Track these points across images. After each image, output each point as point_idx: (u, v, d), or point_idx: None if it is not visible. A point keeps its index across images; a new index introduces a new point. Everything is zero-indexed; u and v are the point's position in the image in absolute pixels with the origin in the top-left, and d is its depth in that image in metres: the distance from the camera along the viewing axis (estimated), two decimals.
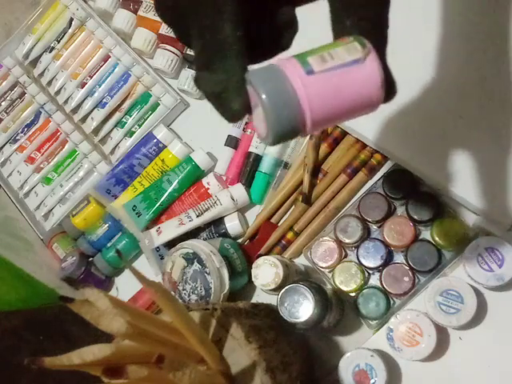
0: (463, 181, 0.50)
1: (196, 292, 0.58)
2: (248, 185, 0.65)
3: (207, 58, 0.25)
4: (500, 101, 0.49)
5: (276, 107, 0.23)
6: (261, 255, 0.61)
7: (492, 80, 0.50)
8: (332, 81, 0.24)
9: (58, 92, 0.78)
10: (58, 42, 0.79)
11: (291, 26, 0.29)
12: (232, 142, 0.67)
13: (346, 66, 0.24)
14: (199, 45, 0.26)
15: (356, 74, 0.24)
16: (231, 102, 0.24)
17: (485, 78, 0.50)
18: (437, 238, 0.53)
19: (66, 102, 0.77)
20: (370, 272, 0.56)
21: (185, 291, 0.58)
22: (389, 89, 0.25)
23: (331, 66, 0.24)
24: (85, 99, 0.76)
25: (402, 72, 0.52)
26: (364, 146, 0.59)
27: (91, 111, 0.76)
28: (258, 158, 0.65)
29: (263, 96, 0.23)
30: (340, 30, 0.26)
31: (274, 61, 0.25)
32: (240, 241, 0.64)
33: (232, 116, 0.25)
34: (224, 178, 0.67)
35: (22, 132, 0.79)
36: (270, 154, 0.64)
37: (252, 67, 0.25)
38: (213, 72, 0.25)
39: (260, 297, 0.62)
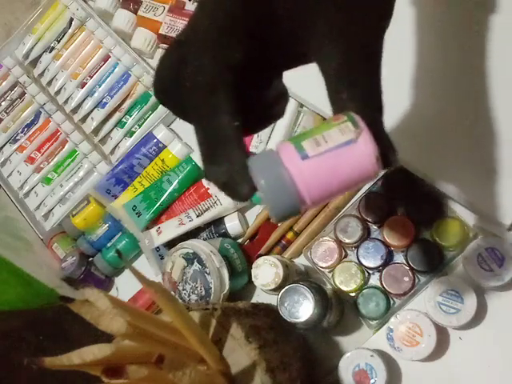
0: (463, 181, 0.50)
1: (196, 292, 0.58)
2: None
3: (209, 151, 0.27)
4: (500, 101, 0.49)
5: (275, 196, 0.25)
6: (261, 255, 0.61)
7: (492, 81, 0.50)
8: (327, 163, 0.25)
9: (58, 92, 0.78)
10: (58, 42, 0.79)
11: (283, 98, 0.31)
12: None
13: (339, 147, 0.25)
14: (200, 139, 0.27)
15: (350, 155, 0.25)
16: (238, 189, 0.26)
17: (485, 78, 0.50)
18: (437, 238, 0.52)
19: (66, 102, 0.78)
20: (370, 272, 0.56)
21: (185, 291, 0.58)
22: (388, 158, 0.26)
23: (325, 149, 0.25)
24: (85, 99, 0.76)
25: (402, 73, 0.52)
26: None
27: (91, 111, 0.76)
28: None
29: (262, 186, 0.25)
30: (336, 101, 0.26)
31: (272, 146, 0.26)
32: (240, 241, 0.64)
33: (242, 199, 0.26)
34: None
35: (22, 132, 0.79)
36: None
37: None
38: (217, 164, 0.26)
39: (260, 297, 0.62)
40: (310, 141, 0.25)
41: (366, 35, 0.26)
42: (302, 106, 0.61)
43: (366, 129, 0.25)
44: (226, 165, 0.26)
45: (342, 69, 0.26)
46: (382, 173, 0.58)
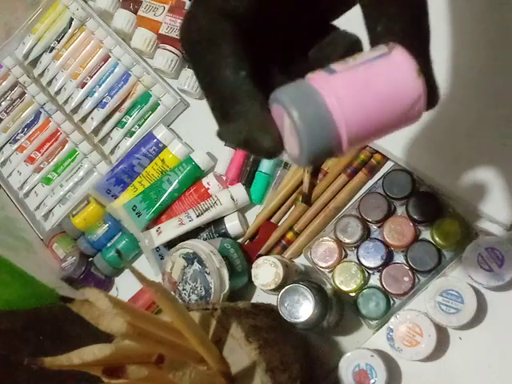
0: (463, 181, 0.50)
1: (196, 292, 0.58)
2: (248, 185, 0.65)
3: (221, 109, 0.25)
4: (501, 100, 0.49)
5: (307, 120, 0.21)
6: (261, 255, 0.61)
7: (495, 80, 0.50)
8: (358, 76, 0.21)
9: (58, 92, 0.78)
10: (58, 42, 0.79)
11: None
12: None
13: (369, 61, 0.22)
14: (210, 97, 0.25)
15: (383, 66, 0.22)
16: (261, 143, 0.23)
17: (487, 77, 0.50)
18: (437, 238, 0.52)
19: (66, 102, 0.77)
20: (370, 272, 0.56)
21: (185, 291, 0.58)
22: (432, 91, 0.23)
23: (354, 63, 0.22)
24: (85, 99, 0.76)
25: None
26: (364, 145, 0.59)
27: (91, 111, 0.76)
28: (258, 158, 0.65)
29: (294, 113, 0.21)
30: (372, 37, 0.24)
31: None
32: (240, 241, 0.64)
33: (268, 154, 0.23)
34: (224, 178, 0.67)
35: (21, 132, 0.79)
36: None
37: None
38: (231, 121, 0.24)
39: (260, 297, 0.62)
40: (339, 62, 0.22)
41: None
42: None
43: (401, 46, 0.22)
44: (240, 120, 0.23)
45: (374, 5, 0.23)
46: (381, 172, 0.58)
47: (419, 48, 0.23)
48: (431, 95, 0.23)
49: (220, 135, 0.24)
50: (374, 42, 0.23)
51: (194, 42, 0.25)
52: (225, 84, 0.24)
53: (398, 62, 0.21)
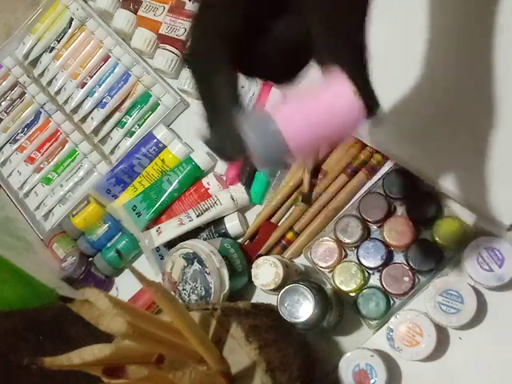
0: (463, 181, 0.50)
1: (196, 292, 0.58)
2: (248, 185, 0.65)
3: (206, 118, 0.30)
4: (502, 100, 0.49)
5: (259, 139, 0.27)
6: (261, 255, 0.61)
7: (495, 79, 0.50)
8: (306, 103, 0.27)
9: (58, 92, 0.78)
10: (58, 42, 0.79)
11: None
12: None
13: (316, 88, 0.27)
14: (202, 108, 0.31)
15: (327, 92, 0.27)
16: (230, 153, 0.29)
17: (488, 77, 0.50)
18: (437, 238, 0.52)
19: (66, 102, 0.77)
20: (370, 272, 0.56)
21: (185, 291, 0.58)
22: (368, 103, 0.27)
23: (303, 93, 0.28)
24: (85, 99, 0.76)
25: (401, 71, 0.52)
26: (364, 145, 0.59)
27: (91, 111, 0.76)
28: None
29: (250, 138, 0.27)
30: (320, 61, 0.28)
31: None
32: (240, 241, 0.64)
33: (229, 161, 0.30)
34: (224, 178, 0.67)
35: (21, 132, 0.79)
36: None
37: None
38: (212, 130, 0.30)
39: (260, 297, 0.62)
40: (294, 93, 0.29)
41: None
42: None
43: (342, 74, 0.27)
44: (220, 131, 0.29)
45: (322, 34, 0.28)
46: (381, 172, 0.58)
47: (360, 70, 0.27)
48: (370, 106, 0.27)
49: (203, 139, 0.31)
50: (322, 65, 0.28)
51: (198, 61, 0.30)
52: (216, 96, 0.29)
53: (338, 88, 0.27)
